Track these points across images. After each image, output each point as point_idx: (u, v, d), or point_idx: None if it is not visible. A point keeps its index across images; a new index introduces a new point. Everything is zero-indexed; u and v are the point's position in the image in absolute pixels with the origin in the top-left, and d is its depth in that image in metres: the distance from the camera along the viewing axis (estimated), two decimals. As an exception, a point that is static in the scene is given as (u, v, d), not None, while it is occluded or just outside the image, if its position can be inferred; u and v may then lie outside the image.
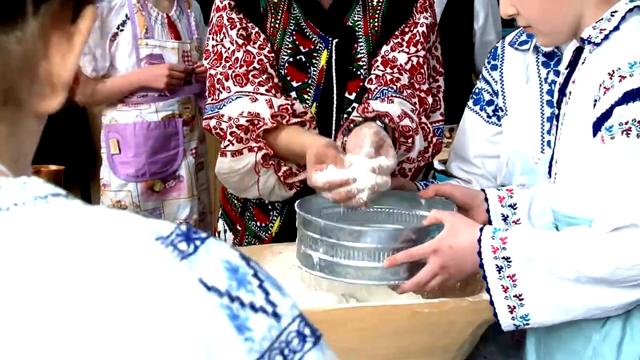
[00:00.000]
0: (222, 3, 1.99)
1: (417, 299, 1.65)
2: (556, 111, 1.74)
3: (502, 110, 1.99)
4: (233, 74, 1.93)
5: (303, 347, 0.64)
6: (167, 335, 0.60)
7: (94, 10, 0.75)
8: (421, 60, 1.95)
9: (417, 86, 1.94)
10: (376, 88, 1.92)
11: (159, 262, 0.62)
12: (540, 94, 1.94)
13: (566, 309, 1.49)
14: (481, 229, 1.54)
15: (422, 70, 1.95)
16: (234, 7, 1.97)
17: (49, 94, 0.72)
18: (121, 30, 3.15)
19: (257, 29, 1.96)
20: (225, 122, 1.87)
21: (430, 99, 1.95)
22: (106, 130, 3.25)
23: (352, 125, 1.78)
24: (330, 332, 1.54)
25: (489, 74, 2.03)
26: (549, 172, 1.69)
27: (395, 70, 1.93)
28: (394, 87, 1.90)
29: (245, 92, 1.91)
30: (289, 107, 1.86)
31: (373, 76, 1.95)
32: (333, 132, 1.98)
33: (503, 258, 1.50)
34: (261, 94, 1.89)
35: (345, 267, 1.59)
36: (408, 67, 1.94)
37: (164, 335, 0.60)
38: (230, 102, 1.91)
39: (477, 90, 2.05)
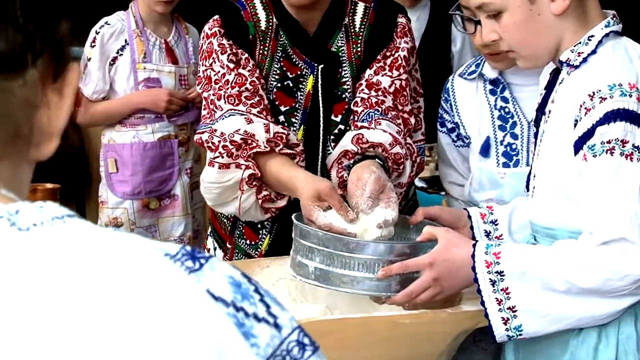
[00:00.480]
0: (211, 30, 2.00)
1: (398, 310, 1.65)
2: (534, 129, 1.76)
3: (467, 138, 2.02)
4: (225, 95, 1.93)
5: (303, 354, 0.67)
6: (181, 339, 0.63)
7: (78, 64, 0.80)
8: (403, 83, 1.97)
9: (400, 108, 1.95)
10: (362, 111, 1.93)
11: (170, 275, 0.66)
12: (492, 119, 1.97)
13: (558, 319, 1.50)
14: (474, 245, 1.55)
15: (405, 93, 1.96)
16: (224, 34, 1.98)
17: (45, 141, 0.75)
18: (120, 55, 3.17)
19: (246, 54, 1.97)
20: (218, 136, 1.87)
21: (412, 120, 1.96)
22: (105, 150, 3.26)
23: (352, 162, 1.80)
24: (318, 340, 1.55)
25: (445, 107, 2.07)
26: (527, 187, 1.71)
27: (380, 93, 1.94)
28: (380, 110, 1.91)
29: (238, 110, 1.91)
30: (284, 136, 1.87)
31: (359, 99, 1.96)
32: (320, 153, 1.98)
33: (496, 272, 1.51)
34: (254, 114, 1.89)
35: (340, 276, 1.59)
36: (392, 90, 1.95)
37: (178, 339, 0.63)
38: (224, 118, 1.91)
39: (440, 115, 2.09)
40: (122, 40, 3.17)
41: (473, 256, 1.53)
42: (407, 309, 1.64)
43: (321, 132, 1.99)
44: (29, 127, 0.73)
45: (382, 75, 1.96)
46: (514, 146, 1.95)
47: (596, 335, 1.54)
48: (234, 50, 1.97)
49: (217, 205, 1.95)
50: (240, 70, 1.95)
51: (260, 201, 1.87)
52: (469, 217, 1.80)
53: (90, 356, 0.61)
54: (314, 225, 1.68)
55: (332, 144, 1.97)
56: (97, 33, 3.14)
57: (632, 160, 1.44)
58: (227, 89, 1.93)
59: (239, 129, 1.85)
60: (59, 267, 0.65)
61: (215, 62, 1.97)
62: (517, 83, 1.99)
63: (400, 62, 1.97)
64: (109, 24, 3.17)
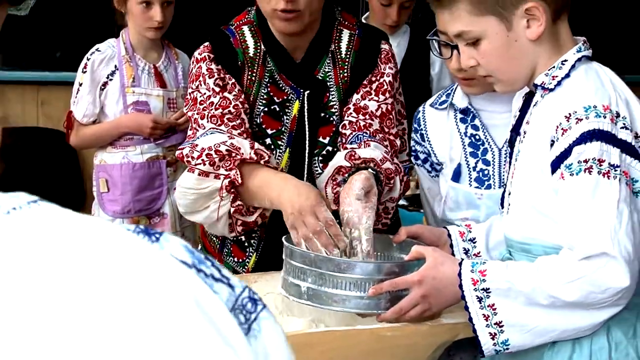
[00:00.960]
0: (201, 55, 2.01)
1: (381, 323, 1.65)
2: (505, 154, 1.78)
3: (439, 164, 2.04)
4: (209, 115, 1.94)
5: (256, 308, 0.71)
6: (162, 296, 0.66)
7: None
8: (389, 106, 1.98)
9: (387, 130, 1.97)
10: (351, 133, 1.95)
11: (137, 243, 0.71)
12: (463, 147, 1.99)
13: (543, 332, 1.51)
14: (460, 263, 1.56)
15: (391, 116, 1.98)
16: (213, 59, 2.00)
17: None
18: (110, 80, 3.19)
19: (233, 80, 1.98)
20: (198, 151, 1.87)
21: (398, 141, 1.99)
22: (97, 170, 3.27)
23: (346, 175, 1.81)
24: (300, 354, 1.55)
25: (416, 137, 2.08)
26: (502, 204, 1.72)
27: (367, 116, 1.96)
28: (368, 132, 1.94)
29: (219, 130, 1.92)
30: (266, 155, 1.88)
31: (347, 122, 1.98)
32: (305, 175, 1.99)
33: (483, 289, 1.52)
34: (236, 135, 1.90)
35: (332, 295, 1.60)
36: (378, 113, 1.97)
37: (159, 296, 0.66)
38: (206, 135, 1.92)
39: (413, 148, 2.10)
40: (112, 65, 3.19)
41: (460, 274, 1.54)
42: (392, 322, 1.65)
43: (306, 155, 2.00)
44: None
45: (369, 100, 1.98)
46: (486, 172, 1.97)
47: (570, 346, 1.55)
48: (221, 75, 1.98)
49: (189, 212, 1.96)
50: (225, 94, 1.96)
51: (233, 210, 1.87)
52: (449, 235, 1.82)
53: (80, 324, 0.64)
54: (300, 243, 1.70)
55: (321, 165, 1.99)
56: (88, 59, 3.17)
57: (609, 179, 1.45)
58: (211, 110, 1.95)
59: (225, 141, 1.86)
60: (45, 244, 0.68)
61: (201, 85, 1.98)
62: (486, 110, 2.00)
63: (385, 86, 1.99)
64: (99, 51, 3.19)
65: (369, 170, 1.80)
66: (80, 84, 3.16)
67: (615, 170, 1.46)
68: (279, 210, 1.83)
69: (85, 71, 3.16)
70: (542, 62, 1.59)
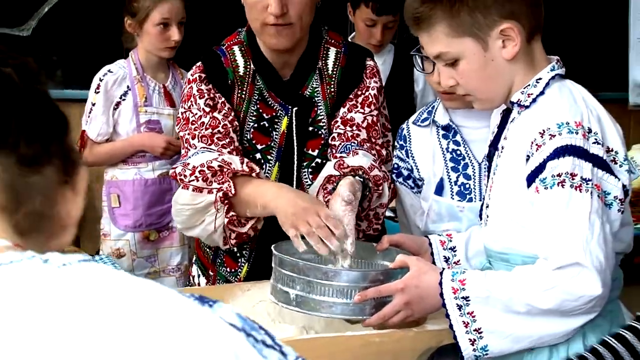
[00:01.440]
0: (192, 76, 2.03)
1: (369, 330, 1.65)
2: (485, 168, 1.78)
3: (420, 180, 2.04)
4: (200, 135, 1.96)
5: None
6: (201, 348, 0.70)
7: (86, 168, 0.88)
8: (375, 118, 2.00)
9: (374, 140, 1.98)
10: (340, 144, 1.97)
11: (187, 304, 0.73)
12: (445, 162, 1.99)
13: (521, 338, 1.51)
14: (441, 273, 1.56)
15: (377, 127, 2.00)
16: (204, 79, 2.01)
17: (62, 232, 0.84)
18: (123, 100, 3.23)
19: (223, 99, 2.00)
20: (190, 169, 1.89)
21: (384, 152, 2.00)
22: (107, 186, 3.30)
23: (335, 184, 1.82)
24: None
25: (400, 153, 2.08)
26: (480, 216, 1.72)
27: (354, 127, 1.97)
28: (356, 142, 1.95)
29: (210, 149, 1.94)
30: (256, 168, 1.91)
31: (335, 134, 1.99)
32: (294, 186, 2.01)
33: (462, 298, 1.52)
34: (226, 153, 1.93)
35: (319, 302, 1.60)
36: (365, 124, 1.98)
37: (199, 348, 0.69)
38: (197, 154, 1.93)
39: (395, 166, 2.10)
40: (125, 86, 3.22)
41: (441, 283, 1.54)
42: (377, 328, 1.65)
43: (295, 168, 2.02)
44: (49, 216, 0.81)
45: (355, 112, 1.99)
46: (467, 185, 1.97)
47: (547, 352, 1.55)
48: (211, 95, 1.99)
49: (186, 228, 1.97)
50: (215, 114, 1.98)
51: (228, 222, 1.88)
52: (430, 244, 1.82)
53: None
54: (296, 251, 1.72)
55: (310, 176, 2.00)
56: (100, 80, 3.19)
57: (581, 192, 1.46)
58: (202, 130, 1.96)
59: (217, 158, 1.88)
60: (95, 298, 0.71)
61: (193, 105, 2.00)
62: (467, 127, 2.01)
63: (371, 99, 2.01)
64: (111, 72, 3.22)
65: (357, 177, 1.81)
66: (93, 104, 3.18)
67: (587, 184, 1.46)
68: (269, 223, 1.84)
69: (99, 92, 3.19)
70: (518, 80, 1.59)
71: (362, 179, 1.82)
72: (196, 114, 1.99)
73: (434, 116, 2.03)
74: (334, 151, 1.96)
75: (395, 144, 2.11)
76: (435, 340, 1.64)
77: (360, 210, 1.86)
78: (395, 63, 3.40)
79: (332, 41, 2.06)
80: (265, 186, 1.88)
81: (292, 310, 1.65)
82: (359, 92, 2.01)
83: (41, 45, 3.81)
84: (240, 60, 2.03)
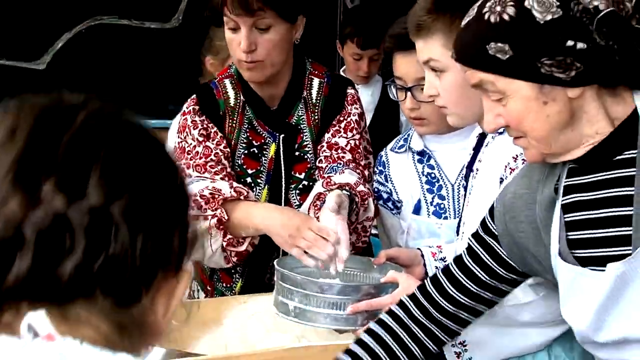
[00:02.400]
0: (187, 108, 2.05)
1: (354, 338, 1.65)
2: (457, 189, 1.79)
3: (399, 202, 2.04)
4: (194, 164, 1.98)
5: None
6: None
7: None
8: (357, 141, 2.02)
9: (357, 161, 2.00)
10: (327, 165, 1.98)
11: None
12: (421, 184, 1.99)
13: (502, 349, 1.51)
14: None
15: (360, 149, 2.02)
16: (198, 111, 2.03)
17: (152, 341, 0.73)
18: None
19: (215, 128, 2.02)
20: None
21: (367, 172, 2.02)
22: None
23: (324, 200, 1.82)
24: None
25: (380, 178, 2.09)
26: (457, 232, 1.72)
27: (339, 150, 1.99)
28: (342, 162, 1.97)
29: (203, 177, 1.96)
30: (245, 191, 1.93)
31: (322, 157, 2.01)
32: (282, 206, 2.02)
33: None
34: (217, 180, 1.95)
35: (315, 313, 1.60)
36: (348, 148, 2.00)
37: None
38: (192, 183, 1.94)
39: (376, 189, 2.10)
40: None
41: None
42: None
43: (283, 190, 2.04)
44: (142, 334, 0.70)
45: (339, 137, 2.01)
46: (442, 205, 1.97)
47: None
48: (205, 125, 2.01)
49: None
50: (208, 143, 2.00)
51: (225, 244, 1.89)
52: (422, 255, 1.81)
53: None
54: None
55: (298, 197, 2.01)
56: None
57: None
58: (196, 159, 1.98)
59: (208, 186, 1.89)
60: None
61: (188, 136, 2.02)
62: (440, 151, 2.00)
63: (352, 125, 2.02)
64: None
65: (343, 191, 1.82)
66: None
67: None
68: (261, 241, 1.87)
69: None
70: None
71: (348, 193, 1.83)
72: (191, 144, 2.01)
73: (409, 143, 2.05)
74: (322, 172, 1.98)
75: (375, 169, 2.12)
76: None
77: (350, 224, 1.86)
78: (383, 93, 3.44)
79: (316, 72, 2.08)
80: (253, 209, 1.89)
81: (292, 321, 1.64)
82: (342, 118, 2.03)
83: (55, 78, 3.82)
84: (231, 93, 2.05)
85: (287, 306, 1.63)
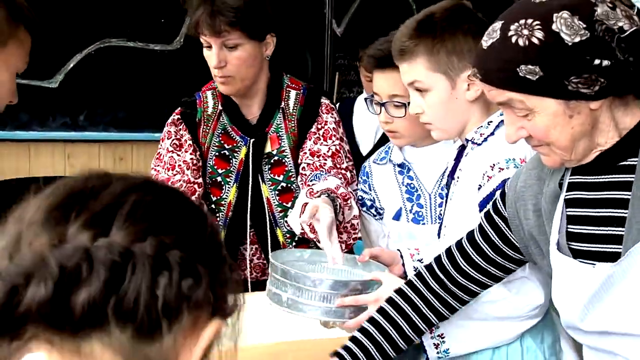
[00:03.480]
0: (170, 119, 2.11)
1: (343, 334, 1.64)
2: (434, 198, 1.79)
3: (381, 209, 2.04)
4: (162, 176, 2.04)
5: None
6: None
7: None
8: (337, 147, 2.03)
9: (338, 166, 2.01)
10: (310, 173, 1.99)
11: None
12: (401, 194, 1.99)
13: (477, 341, 1.51)
14: None
15: (340, 154, 2.03)
16: (177, 120, 2.10)
17: None
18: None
19: (187, 136, 2.08)
20: None
21: (349, 174, 2.03)
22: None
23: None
24: (280, 358, 1.54)
25: (364, 187, 2.08)
26: (439, 234, 1.72)
27: (321, 157, 2.01)
28: (323, 170, 1.98)
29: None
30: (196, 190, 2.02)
31: (305, 164, 2.02)
32: (249, 204, 2.07)
33: None
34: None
35: (306, 305, 1.59)
36: (330, 154, 2.01)
37: None
38: None
39: (360, 197, 2.10)
40: None
41: None
42: (349, 332, 1.64)
43: (250, 189, 2.07)
44: None
45: (320, 144, 2.03)
46: (420, 212, 1.97)
47: (491, 350, 1.54)
48: (178, 136, 2.08)
49: None
50: (177, 153, 2.06)
51: None
52: (402, 256, 1.81)
53: None
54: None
55: (277, 197, 2.05)
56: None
57: None
58: (166, 165, 2.05)
59: None
60: None
61: (163, 145, 2.09)
62: (418, 164, 2.00)
63: (330, 132, 2.05)
64: None
65: (323, 196, 1.82)
66: None
67: None
68: (233, 230, 1.96)
69: None
70: (474, 120, 1.60)
71: (329, 197, 1.82)
72: (162, 153, 2.08)
73: (390, 156, 2.04)
74: (305, 180, 1.98)
75: (359, 179, 2.11)
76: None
77: (339, 224, 1.87)
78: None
79: (293, 85, 2.10)
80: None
81: (283, 311, 1.63)
82: (320, 127, 2.05)
83: (67, 96, 3.81)
84: (210, 102, 2.10)
85: (280, 297, 1.62)
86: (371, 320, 1.45)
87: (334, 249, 1.70)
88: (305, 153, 2.03)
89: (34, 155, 3.80)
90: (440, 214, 1.90)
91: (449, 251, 1.44)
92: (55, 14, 3.73)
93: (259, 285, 2.06)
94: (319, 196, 1.82)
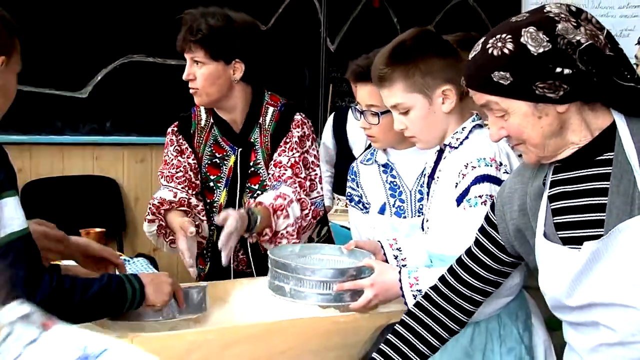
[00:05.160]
0: (170, 129, 2.11)
1: (335, 312, 1.64)
2: (415, 194, 1.78)
3: (367, 204, 2.03)
4: (166, 174, 2.06)
5: None
6: None
7: None
8: (297, 159, 2.01)
9: (297, 175, 1.99)
10: (271, 183, 2.01)
11: None
12: (385, 191, 1.98)
13: None
14: (400, 272, 1.54)
15: (299, 165, 2.00)
16: (176, 131, 2.10)
17: None
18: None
19: (187, 145, 2.08)
20: (149, 205, 2.01)
21: (308, 183, 2.01)
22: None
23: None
24: (279, 335, 1.55)
25: (352, 184, 2.08)
26: (422, 227, 1.71)
27: (282, 168, 1.99)
28: (281, 180, 1.98)
29: (168, 185, 2.04)
30: (186, 200, 2.00)
31: (270, 175, 2.02)
32: (237, 206, 2.04)
33: (417, 290, 1.50)
34: (179, 189, 2.03)
35: (308, 294, 1.58)
36: (289, 164, 1.99)
37: None
38: (158, 191, 2.05)
39: (349, 193, 2.10)
40: None
41: (400, 280, 1.53)
42: (340, 311, 1.63)
43: (238, 192, 2.06)
44: None
45: (283, 156, 2.01)
46: (402, 207, 1.96)
47: (472, 326, 1.54)
48: (179, 143, 2.08)
49: (158, 245, 2.08)
50: (180, 158, 2.06)
51: (168, 243, 2.00)
52: (382, 246, 1.80)
53: None
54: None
55: (252, 200, 2.02)
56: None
57: None
58: (170, 170, 2.06)
59: (160, 196, 1.99)
60: None
61: (167, 150, 2.09)
62: (400, 164, 2.00)
63: (293, 145, 2.02)
64: None
65: (243, 210, 1.86)
66: None
67: None
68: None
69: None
70: (451, 128, 1.59)
71: (249, 210, 1.85)
72: (168, 157, 2.07)
73: (375, 157, 2.03)
74: (269, 189, 1.99)
75: (348, 177, 2.10)
76: (385, 319, 1.62)
77: (274, 233, 1.91)
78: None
79: (272, 102, 2.07)
80: (173, 222, 1.95)
81: (287, 301, 1.61)
82: (287, 140, 2.03)
83: (95, 105, 3.80)
84: (203, 116, 2.10)
85: (283, 288, 1.60)
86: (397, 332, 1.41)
87: (224, 252, 1.77)
88: (271, 164, 2.02)
89: (66, 157, 3.78)
90: (420, 209, 1.90)
91: (451, 269, 1.42)
92: (84, 34, 3.73)
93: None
94: (247, 210, 1.86)
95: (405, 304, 1.51)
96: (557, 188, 1.25)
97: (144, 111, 3.86)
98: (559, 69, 1.13)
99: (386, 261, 1.75)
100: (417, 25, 1.70)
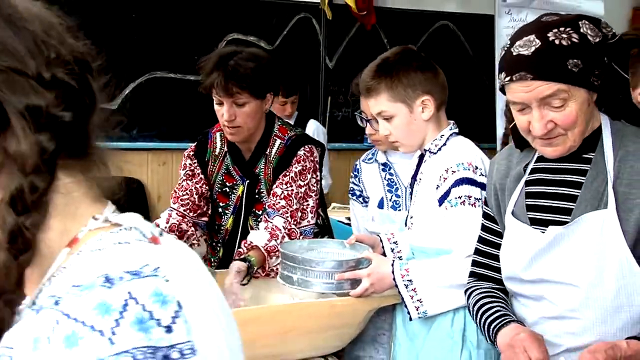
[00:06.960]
0: (186, 152, 2.00)
1: (333, 297, 1.61)
2: (409, 190, 1.75)
3: (367, 198, 2.01)
4: (174, 195, 1.97)
5: None
6: None
7: None
8: (289, 191, 1.88)
9: (289, 206, 1.86)
10: (267, 210, 1.88)
11: None
12: (384, 187, 1.97)
13: (446, 303, 1.49)
14: (392, 264, 1.53)
15: (292, 197, 1.87)
16: (192, 155, 1.99)
17: None
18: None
19: (199, 170, 1.97)
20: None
21: (299, 213, 1.88)
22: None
23: (241, 255, 1.77)
24: (285, 316, 1.52)
25: (355, 180, 2.06)
26: (406, 223, 1.70)
27: (276, 198, 1.87)
28: (274, 209, 1.85)
29: (172, 207, 1.95)
30: (176, 224, 1.92)
31: (267, 205, 1.91)
32: (239, 232, 1.95)
33: (408, 280, 1.49)
34: (180, 211, 1.94)
35: (313, 282, 1.57)
36: (282, 196, 1.86)
37: None
38: (167, 210, 1.97)
39: (351, 188, 2.07)
40: None
41: (393, 272, 1.51)
42: (337, 296, 1.61)
43: (242, 219, 1.96)
44: None
45: (278, 187, 1.88)
46: (398, 202, 1.95)
47: (452, 312, 1.52)
48: (192, 167, 1.98)
49: None
50: (189, 181, 1.96)
51: None
52: (381, 240, 1.79)
53: None
54: None
55: (257, 226, 1.92)
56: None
57: (474, 207, 1.45)
58: (177, 191, 1.97)
59: (156, 222, 1.88)
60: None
61: (180, 172, 1.99)
62: (397, 164, 2.00)
63: (289, 180, 1.89)
64: None
65: (241, 260, 1.73)
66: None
67: (478, 202, 1.45)
68: (228, 249, 1.87)
69: None
70: (430, 135, 1.58)
71: (246, 261, 1.72)
72: (179, 179, 1.98)
73: (375, 157, 2.03)
74: (265, 217, 1.88)
75: (351, 174, 2.08)
76: (378, 302, 1.60)
77: (263, 270, 1.77)
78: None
79: (279, 134, 1.95)
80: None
81: (295, 289, 1.60)
82: (286, 173, 1.90)
83: (123, 115, 3.78)
84: (218, 144, 1.98)
85: (292, 278, 1.59)
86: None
87: (233, 287, 1.64)
88: (270, 194, 1.92)
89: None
90: None
91: (472, 272, 1.38)
92: (115, 53, 3.71)
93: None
94: (246, 251, 1.74)
95: (399, 292, 1.50)
96: (537, 175, 1.23)
97: (165, 120, 3.85)
98: (606, 59, 1.10)
99: (384, 254, 1.73)
100: (405, 45, 1.68)
